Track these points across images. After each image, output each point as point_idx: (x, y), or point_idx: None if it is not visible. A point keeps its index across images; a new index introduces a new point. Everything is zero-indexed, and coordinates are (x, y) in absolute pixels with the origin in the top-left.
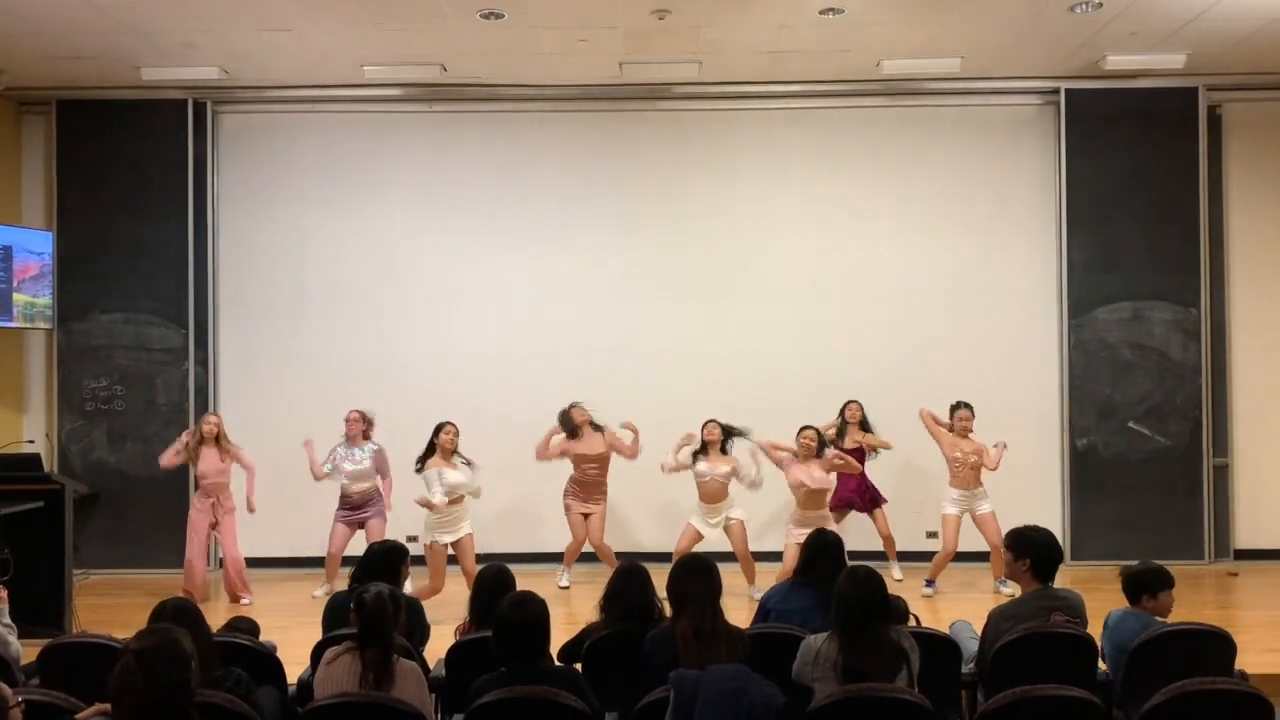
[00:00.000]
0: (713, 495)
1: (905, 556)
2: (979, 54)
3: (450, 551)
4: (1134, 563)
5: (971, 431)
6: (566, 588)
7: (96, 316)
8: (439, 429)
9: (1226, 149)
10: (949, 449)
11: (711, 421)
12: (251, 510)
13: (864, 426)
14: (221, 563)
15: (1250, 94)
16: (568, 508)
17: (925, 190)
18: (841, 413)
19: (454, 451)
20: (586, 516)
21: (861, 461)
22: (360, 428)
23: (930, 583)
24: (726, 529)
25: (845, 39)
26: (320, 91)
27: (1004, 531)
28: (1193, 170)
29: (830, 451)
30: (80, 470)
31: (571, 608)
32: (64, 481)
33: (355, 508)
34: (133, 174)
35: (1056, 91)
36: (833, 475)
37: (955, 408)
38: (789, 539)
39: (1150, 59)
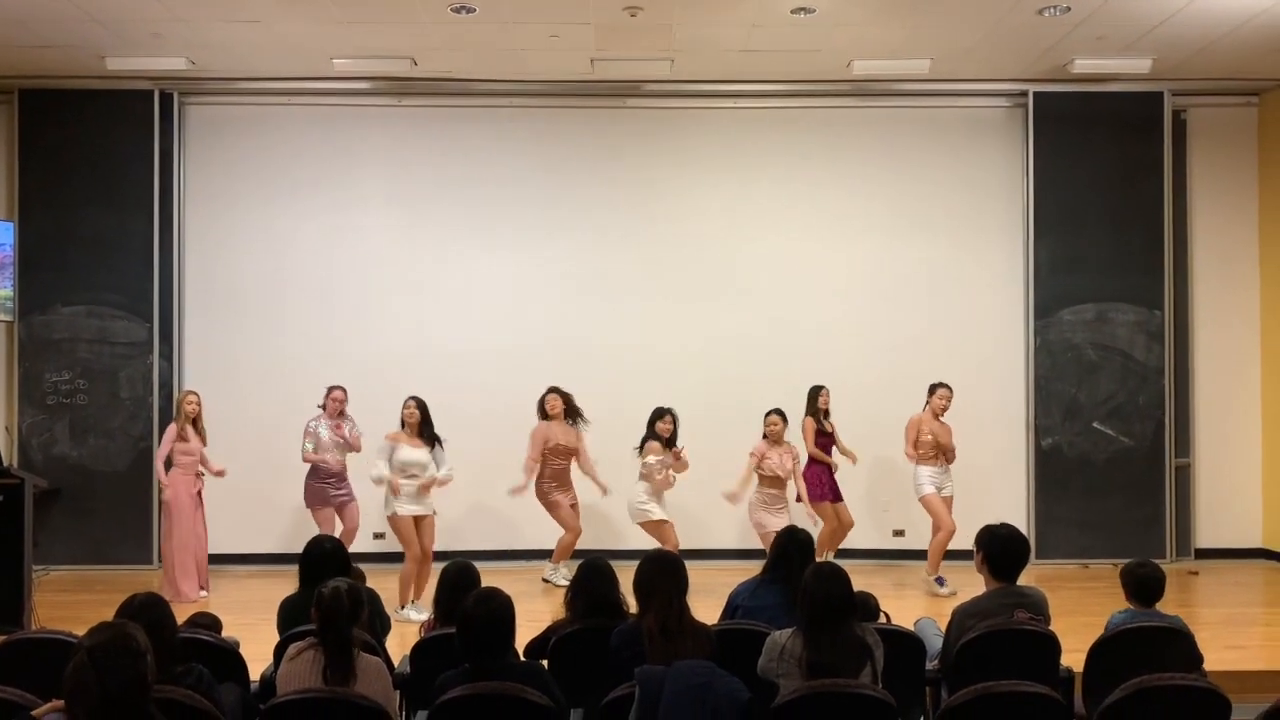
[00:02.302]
0: (664, 485)
1: (872, 554)
2: (949, 56)
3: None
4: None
5: (946, 410)
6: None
7: (59, 309)
8: (404, 405)
9: (1190, 153)
10: (925, 435)
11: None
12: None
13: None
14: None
15: (1214, 99)
16: (556, 503)
17: (893, 191)
18: (814, 400)
19: (419, 429)
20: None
21: (830, 448)
22: (340, 408)
23: (942, 580)
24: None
25: (816, 39)
26: (289, 84)
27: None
28: (1157, 174)
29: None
30: (41, 465)
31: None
32: (24, 476)
33: (338, 479)
34: (97, 165)
35: (1025, 94)
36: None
37: (935, 387)
38: (769, 524)
39: (1117, 63)
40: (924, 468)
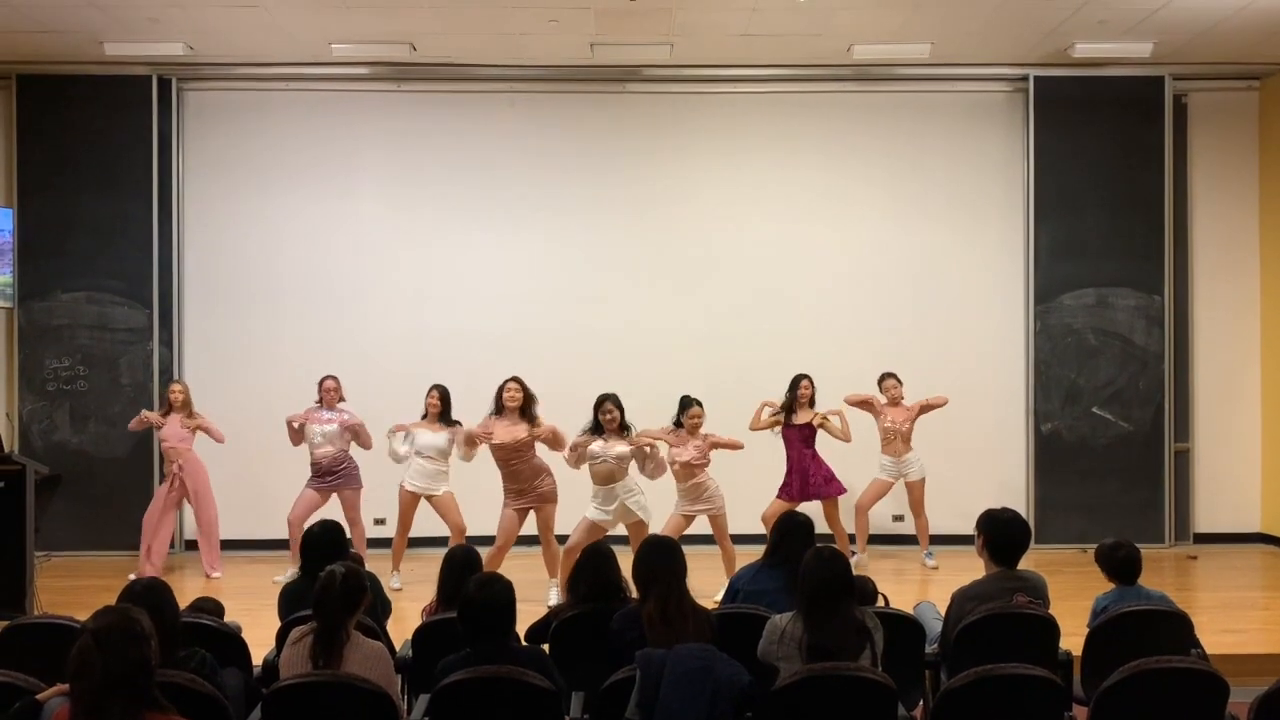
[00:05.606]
0: (604, 477)
1: (871, 539)
2: (949, 40)
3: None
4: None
5: (901, 399)
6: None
7: (58, 295)
8: (427, 394)
9: (1191, 137)
10: (881, 421)
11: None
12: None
13: (813, 405)
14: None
15: (1215, 83)
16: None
17: (894, 176)
18: (794, 388)
19: (440, 416)
20: (534, 513)
21: (811, 440)
22: (337, 396)
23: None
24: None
25: (817, 23)
26: (288, 70)
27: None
28: (1158, 158)
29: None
30: (42, 451)
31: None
32: (25, 462)
33: (323, 474)
34: (96, 151)
35: (1025, 79)
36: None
37: (882, 378)
38: (677, 510)
39: (1118, 47)
40: (881, 457)
